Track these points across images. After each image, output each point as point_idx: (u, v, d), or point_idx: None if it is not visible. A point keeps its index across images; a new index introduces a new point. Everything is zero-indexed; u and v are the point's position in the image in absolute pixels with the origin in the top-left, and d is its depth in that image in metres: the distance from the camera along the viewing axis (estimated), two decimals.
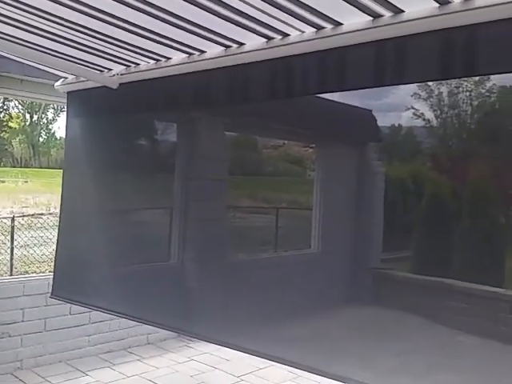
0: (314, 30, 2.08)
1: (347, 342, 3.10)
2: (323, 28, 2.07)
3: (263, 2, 1.91)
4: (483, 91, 4.92)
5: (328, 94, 2.51)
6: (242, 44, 2.27)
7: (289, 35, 2.14)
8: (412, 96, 5.33)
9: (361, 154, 3.66)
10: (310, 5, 1.91)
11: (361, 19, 1.97)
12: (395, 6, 1.89)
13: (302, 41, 2.11)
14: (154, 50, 2.44)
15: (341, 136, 3.56)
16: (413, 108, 5.58)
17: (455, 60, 1.88)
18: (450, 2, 1.79)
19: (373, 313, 3.62)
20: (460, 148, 5.17)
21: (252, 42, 2.21)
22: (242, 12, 2.00)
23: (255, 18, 2.04)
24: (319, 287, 3.52)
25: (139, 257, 3.36)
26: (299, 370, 2.98)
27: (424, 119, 5.63)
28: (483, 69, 1.86)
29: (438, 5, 1.82)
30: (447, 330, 3.75)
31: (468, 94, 5.04)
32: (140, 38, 2.29)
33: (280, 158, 4.78)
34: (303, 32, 2.11)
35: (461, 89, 5.20)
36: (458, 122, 4.85)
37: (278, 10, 1.96)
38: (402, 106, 4.89)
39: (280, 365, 3.15)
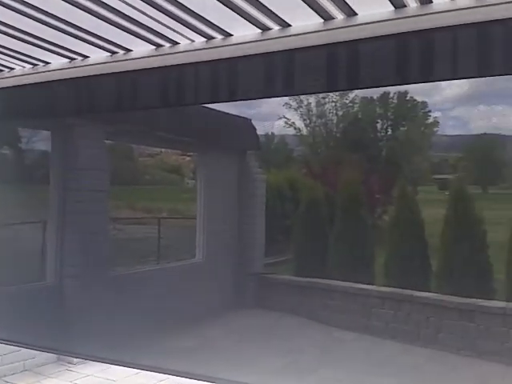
0: (204, 39, 2.08)
1: (235, 347, 3.14)
2: (213, 38, 2.08)
3: (151, 8, 1.87)
4: (347, 102, 5.30)
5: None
6: (129, 50, 2.19)
7: (179, 43, 2.12)
8: (284, 105, 5.54)
9: (242, 161, 3.74)
10: (198, 13, 1.91)
11: (250, 31, 2.02)
12: (283, 20, 1.96)
13: (192, 50, 2.11)
14: (32, 54, 2.27)
15: (222, 144, 3.61)
16: (285, 117, 5.81)
17: (339, 74, 2.00)
18: (334, 18, 1.89)
19: (258, 316, 3.72)
20: (328, 155, 5.53)
21: (140, 48, 2.16)
22: (130, 17, 1.94)
23: (143, 24, 1.99)
24: (206, 296, 3.52)
25: (11, 277, 3.09)
26: (190, 381, 2.95)
27: (295, 128, 5.90)
28: (364, 82, 2.00)
29: (322, 20, 1.92)
30: (326, 327, 3.97)
31: (333, 104, 5.39)
32: (15, 41, 2.11)
33: (157, 166, 4.71)
34: (193, 41, 2.10)
35: (327, 99, 5.55)
36: (326, 130, 5.18)
37: (166, 17, 1.93)
38: (275, 116, 5.03)
39: (171, 379, 3.09)
